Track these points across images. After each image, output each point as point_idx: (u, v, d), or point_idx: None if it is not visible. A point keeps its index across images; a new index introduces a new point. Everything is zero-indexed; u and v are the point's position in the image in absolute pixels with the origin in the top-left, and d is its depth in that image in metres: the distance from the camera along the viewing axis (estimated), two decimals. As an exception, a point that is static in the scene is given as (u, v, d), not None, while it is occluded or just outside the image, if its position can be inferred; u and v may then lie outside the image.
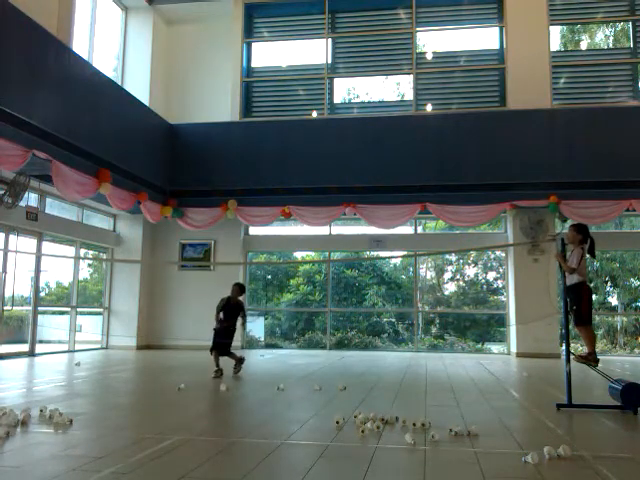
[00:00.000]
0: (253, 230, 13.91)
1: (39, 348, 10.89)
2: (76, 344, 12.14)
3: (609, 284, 15.40)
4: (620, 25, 13.70)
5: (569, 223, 12.15)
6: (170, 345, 12.95)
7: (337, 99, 13.84)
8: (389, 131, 11.77)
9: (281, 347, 14.38)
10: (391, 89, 14.07)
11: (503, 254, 14.02)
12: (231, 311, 8.05)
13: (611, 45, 14.11)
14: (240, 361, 7.98)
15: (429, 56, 13.42)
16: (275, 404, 5.50)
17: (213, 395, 5.95)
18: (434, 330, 15.04)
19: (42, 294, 11.61)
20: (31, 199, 10.37)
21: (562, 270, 5.64)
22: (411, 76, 13.25)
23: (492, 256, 15.52)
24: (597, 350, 5.57)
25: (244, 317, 8.16)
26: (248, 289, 14.03)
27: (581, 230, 5.60)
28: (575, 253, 5.54)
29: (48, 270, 11.66)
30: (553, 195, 11.12)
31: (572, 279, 5.49)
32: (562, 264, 5.53)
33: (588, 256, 5.63)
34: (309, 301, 15.37)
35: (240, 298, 8.29)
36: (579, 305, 5.45)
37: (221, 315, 8.07)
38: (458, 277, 16.17)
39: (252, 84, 13.87)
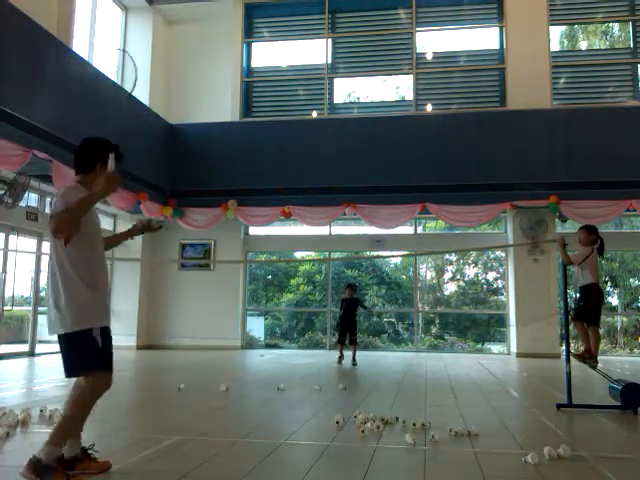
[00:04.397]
0: (253, 230, 13.90)
1: (39, 348, 10.88)
2: (76, 344, 12.11)
3: (609, 284, 15.40)
4: (620, 25, 13.68)
5: (570, 224, 12.18)
6: (170, 345, 12.94)
7: (337, 99, 13.82)
8: (389, 131, 11.77)
9: (281, 347, 14.37)
10: (391, 89, 14.06)
11: (503, 254, 14.01)
12: (350, 306, 9.88)
13: (611, 45, 14.10)
14: (353, 357, 9.86)
15: (429, 56, 13.40)
16: (275, 404, 5.50)
17: (213, 395, 5.95)
18: (434, 330, 15.05)
19: (42, 294, 11.59)
20: (31, 199, 10.37)
21: (564, 269, 5.65)
22: (411, 76, 13.24)
23: (492, 256, 15.52)
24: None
25: (365, 307, 10.35)
26: (248, 289, 14.04)
27: (593, 231, 5.61)
28: (582, 251, 5.54)
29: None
30: (553, 195, 11.12)
31: (585, 279, 5.50)
32: (562, 254, 5.53)
33: None
34: (309, 301, 15.38)
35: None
36: (585, 303, 5.48)
37: (341, 312, 9.93)
38: (458, 277, 16.18)
39: (252, 84, 13.87)
